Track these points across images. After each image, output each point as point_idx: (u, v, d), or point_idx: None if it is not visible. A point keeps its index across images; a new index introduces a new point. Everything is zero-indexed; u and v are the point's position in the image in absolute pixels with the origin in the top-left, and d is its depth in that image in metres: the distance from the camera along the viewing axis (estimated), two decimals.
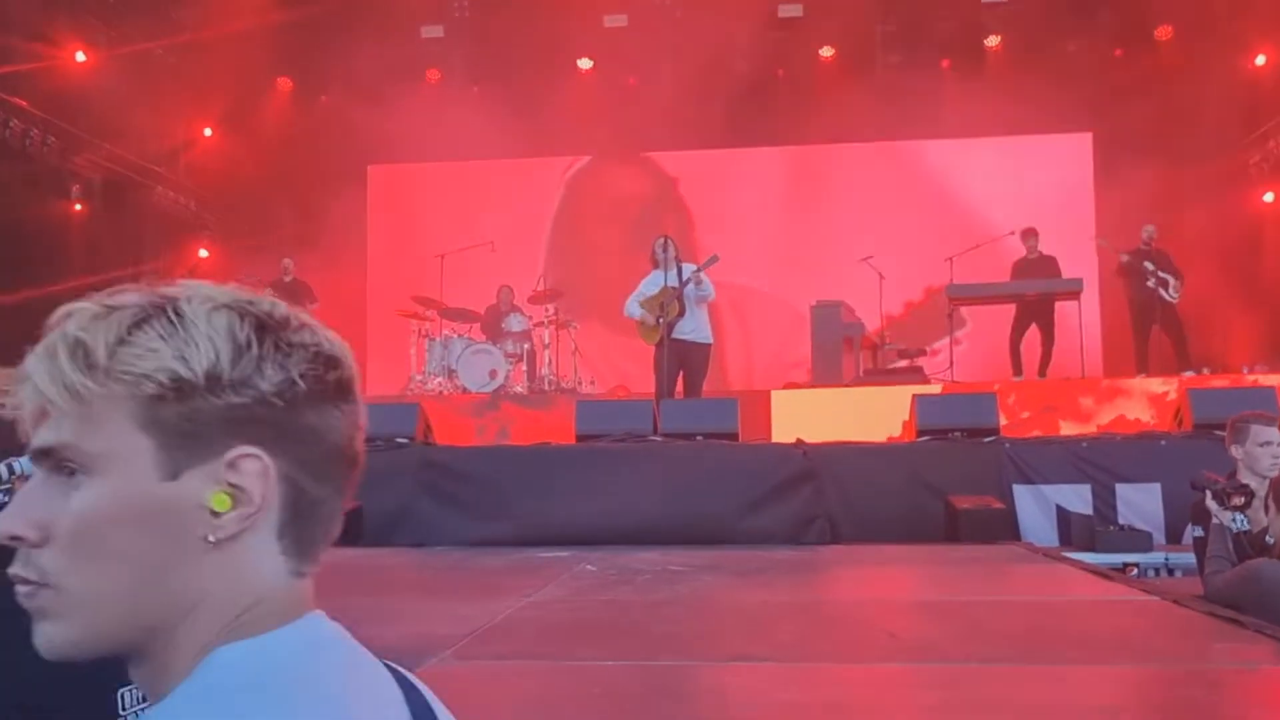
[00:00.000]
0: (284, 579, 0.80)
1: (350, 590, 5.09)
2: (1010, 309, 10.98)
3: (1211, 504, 4.07)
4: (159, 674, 0.78)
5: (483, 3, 13.52)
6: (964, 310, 12.53)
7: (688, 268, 8.85)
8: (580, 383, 11.39)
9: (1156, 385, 9.59)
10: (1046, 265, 10.84)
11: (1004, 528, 6.71)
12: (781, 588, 4.98)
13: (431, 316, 11.62)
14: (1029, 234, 10.93)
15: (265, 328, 0.78)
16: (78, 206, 11.67)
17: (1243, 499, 3.98)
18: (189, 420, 0.75)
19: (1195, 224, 11.33)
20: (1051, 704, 2.88)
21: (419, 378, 11.13)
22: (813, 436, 7.65)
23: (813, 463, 7.06)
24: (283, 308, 0.82)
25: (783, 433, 9.08)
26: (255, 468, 0.76)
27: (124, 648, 0.77)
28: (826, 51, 13.46)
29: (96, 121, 11.85)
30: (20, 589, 0.76)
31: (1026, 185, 13.01)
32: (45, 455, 0.76)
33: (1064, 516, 6.91)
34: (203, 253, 14.01)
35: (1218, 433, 5.02)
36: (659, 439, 7.66)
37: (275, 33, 12.93)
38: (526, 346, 11.29)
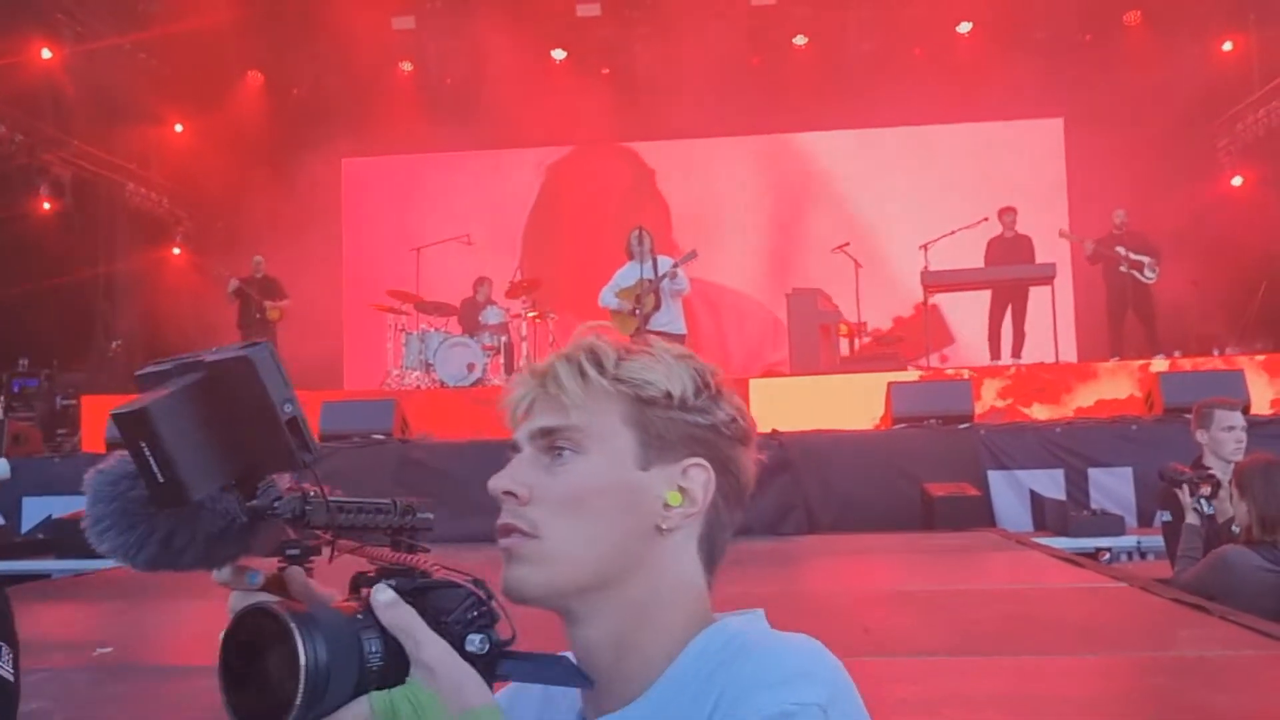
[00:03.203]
0: (704, 583, 0.99)
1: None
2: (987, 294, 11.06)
3: (1184, 495, 4.12)
4: (623, 639, 0.95)
5: None
6: (945, 301, 12.54)
7: (664, 260, 8.84)
8: None
9: (1136, 367, 9.66)
10: (1021, 244, 10.90)
11: (979, 514, 6.77)
12: (758, 580, 5.01)
13: (408, 310, 11.56)
14: (1006, 212, 10.97)
15: (716, 376, 1.01)
16: (47, 205, 11.53)
17: (1209, 488, 4.04)
18: (665, 426, 0.96)
19: (1165, 207, 11.42)
20: (1022, 695, 2.92)
21: (396, 372, 11.09)
22: (791, 425, 7.67)
23: (789, 452, 7.09)
24: (718, 369, 1.02)
25: (762, 421, 9.01)
26: (702, 477, 0.97)
27: (576, 600, 0.96)
28: (800, 40, 13.48)
29: (66, 119, 11.72)
30: (504, 539, 0.96)
31: (999, 171, 13.08)
32: (545, 434, 0.96)
33: (1038, 501, 6.96)
34: (175, 250, 13.88)
35: (1188, 416, 5.07)
36: None
37: (245, 26, 12.82)
38: (504, 339, 11.24)
